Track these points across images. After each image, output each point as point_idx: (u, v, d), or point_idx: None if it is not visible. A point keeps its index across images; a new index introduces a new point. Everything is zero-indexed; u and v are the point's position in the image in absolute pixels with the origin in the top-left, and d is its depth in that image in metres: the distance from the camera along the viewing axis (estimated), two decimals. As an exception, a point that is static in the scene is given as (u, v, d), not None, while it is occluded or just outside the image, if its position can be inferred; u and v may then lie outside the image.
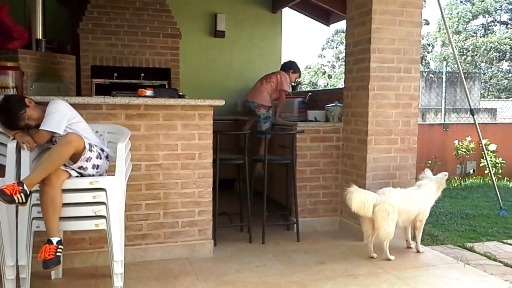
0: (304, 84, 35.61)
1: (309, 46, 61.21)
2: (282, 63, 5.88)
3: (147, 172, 3.59)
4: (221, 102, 3.68)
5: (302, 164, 4.59)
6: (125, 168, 2.92)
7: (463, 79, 6.03)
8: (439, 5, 5.68)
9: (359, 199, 3.70)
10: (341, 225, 4.69)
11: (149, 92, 3.64)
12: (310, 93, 5.75)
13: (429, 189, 4.01)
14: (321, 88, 29.60)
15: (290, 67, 5.55)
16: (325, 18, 7.65)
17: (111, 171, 3.01)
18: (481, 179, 8.03)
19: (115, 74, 6.18)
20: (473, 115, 5.97)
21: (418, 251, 4.03)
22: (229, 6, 7.15)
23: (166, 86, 6.29)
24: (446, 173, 4.17)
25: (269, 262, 3.73)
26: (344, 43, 4.84)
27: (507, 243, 4.56)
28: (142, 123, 3.55)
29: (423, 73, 17.77)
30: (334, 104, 4.85)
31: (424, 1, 5.94)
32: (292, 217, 4.51)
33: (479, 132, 6.07)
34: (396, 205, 3.73)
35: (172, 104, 3.59)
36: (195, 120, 3.68)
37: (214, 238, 3.94)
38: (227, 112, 6.85)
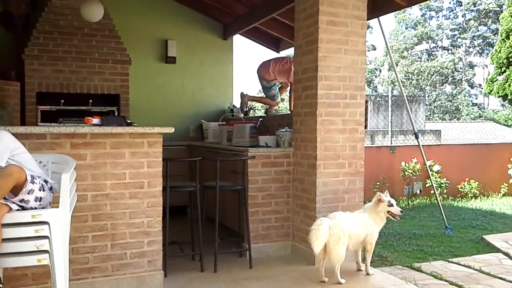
0: (257, 108, 36.11)
1: (262, 70, 61.99)
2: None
3: (93, 203, 3.49)
4: (171, 130, 3.66)
5: (254, 189, 4.61)
6: (69, 200, 2.83)
7: (407, 103, 6.30)
8: (383, 33, 5.94)
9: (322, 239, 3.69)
10: (293, 249, 4.71)
11: (95, 120, 3.57)
12: (261, 119, 5.81)
13: (371, 211, 4.05)
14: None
15: None
16: (275, 45, 7.81)
17: (55, 202, 2.91)
18: (428, 199, 8.33)
19: (62, 101, 6.03)
20: (417, 138, 6.22)
21: (367, 274, 4.10)
22: (180, 32, 7.18)
23: (116, 112, 6.20)
24: (379, 193, 4.15)
25: (221, 291, 3.69)
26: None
27: (452, 262, 4.72)
28: (89, 152, 3.46)
29: (371, 96, 18.46)
30: (284, 130, 4.93)
31: (371, 27, 6.18)
32: (245, 244, 4.49)
33: (423, 154, 6.32)
34: (346, 228, 3.79)
35: (119, 132, 3.53)
36: (144, 148, 3.63)
37: (165, 269, 3.85)
38: (180, 138, 6.81)
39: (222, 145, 5.73)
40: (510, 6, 9.88)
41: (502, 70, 9.88)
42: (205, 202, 4.46)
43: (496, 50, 10.18)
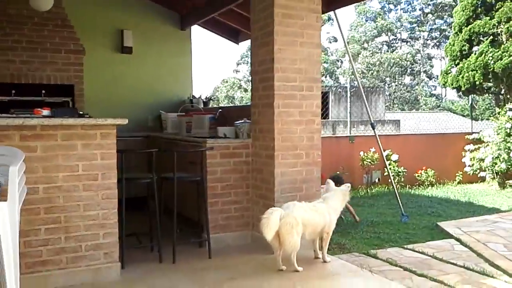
0: (221, 97, 36.01)
1: (225, 61, 61.98)
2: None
3: (45, 195, 3.40)
4: (124, 121, 3.60)
5: (213, 180, 4.60)
6: (18, 193, 2.74)
7: (363, 94, 6.42)
8: (339, 26, 6.02)
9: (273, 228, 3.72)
10: (253, 239, 4.75)
11: (45, 112, 3.48)
12: (220, 110, 5.80)
13: (333, 201, 4.17)
14: (231, 105, 29.99)
15: None
16: (234, 36, 7.78)
17: (2, 196, 2.81)
18: (386, 188, 8.54)
19: (13, 91, 5.83)
20: (373, 128, 6.35)
21: (324, 261, 4.17)
22: (136, 22, 7.04)
23: (70, 103, 6.04)
24: (349, 184, 4.40)
25: (179, 282, 3.68)
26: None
27: (407, 248, 4.86)
28: (39, 144, 3.36)
29: (333, 88, 18.74)
30: (243, 121, 4.94)
31: (332, 20, 6.25)
32: (204, 234, 4.48)
33: (380, 144, 6.47)
34: (300, 218, 3.83)
35: (70, 123, 3.45)
36: (97, 139, 3.56)
37: (122, 261, 3.81)
38: (138, 129, 6.71)
39: (181, 136, 5.68)
40: (462, 1, 10.21)
41: (456, 63, 10.18)
42: (163, 194, 4.42)
43: (450, 43, 10.49)
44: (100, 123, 3.53)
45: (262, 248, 4.49)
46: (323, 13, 5.21)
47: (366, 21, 39.75)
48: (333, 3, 5.58)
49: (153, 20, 7.22)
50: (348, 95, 10.17)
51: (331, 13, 6.04)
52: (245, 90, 35.26)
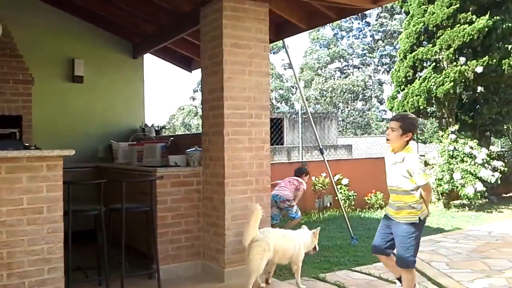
0: (177, 125, 35.84)
1: (182, 89, 61.92)
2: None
3: (-13, 231, 3.31)
4: (71, 152, 3.58)
5: (163, 209, 4.60)
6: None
7: (311, 120, 6.63)
8: (287, 54, 6.23)
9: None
10: (204, 268, 4.74)
11: (-12, 145, 3.40)
12: (172, 138, 5.83)
13: (305, 236, 4.46)
14: (187, 132, 29.91)
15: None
16: (187, 64, 7.87)
17: None
18: (337, 212, 8.73)
19: (-42, 122, 5.66)
20: (322, 153, 6.55)
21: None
22: (88, 51, 7.00)
23: (17, 134, 5.90)
24: (319, 228, 4.67)
25: (128, 315, 3.63)
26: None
27: (355, 271, 5.00)
28: (-19, 178, 3.29)
29: (287, 114, 19.06)
30: (194, 149, 4.98)
31: (287, 46, 6.51)
32: (154, 265, 4.45)
33: (329, 169, 6.66)
34: (272, 244, 4.04)
35: (15, 156, 3.39)
36: (43, 171, 3.51)
37: (68, 296, 3.72)
38: (88, 159, 6.62)
39: (132, 165, 5.65)
40: (406, 29, 10.75)
41: (402, 88, 10.65)
42: (112, 225, 4.37)
43: (396, 69, 10.97)
44: (46, 155, 3.49)
45: (213, 277, 4.52)
46: (271, 42, 5.40)
47: (320, 47, 40.93)
48: (280, 33, 5.78)
49: (105, 49, 7.21)
50: (300, 121, 10.40)
51: (286, 41, 6.25)
52: (201, 117, 35.22)
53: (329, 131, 17.97)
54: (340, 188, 8.82)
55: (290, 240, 4.27)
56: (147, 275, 4.54)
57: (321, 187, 8.68)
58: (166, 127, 7.26)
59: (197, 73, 7.67)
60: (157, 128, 7.07)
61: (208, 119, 4.77)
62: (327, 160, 6.91)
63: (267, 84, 4.76)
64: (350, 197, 8.90)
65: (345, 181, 8.97)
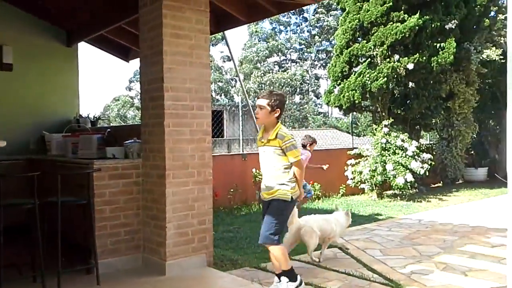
0: (112, 116, 34.76)
1: (117, 79, 60.07)
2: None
3: None
4: (2, 143, 3.39)
5: (101, 203, 4.46)
6: None
7: (253, 113, 6.66)
8: (228, 46, 6.22)
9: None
10: (145, 261, 4.67)
11: None
12: (109, 129, 5.65)
13: (339, 216, 5.27)
14: (123, 124, 29.16)
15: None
16: (124, 54, 7.65)
17: None
18: (277, 203, 8.86)
19: None
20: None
21: (318, 260, 5.00)
22: (17, 38, 6.59)
23: None
24: (350, 209, 5.69)
25: (65, 312, 3.50)
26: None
27: (294, 259, 5.09)
28: None
29: (227, 106, 19.08)
30: (132, 141, 4.87)
31: (226, 38, 6.47)
32: (92, 260, 4.31)
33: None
34: (316, 227, 4.87)
35: None
36: (-31, 164, 3.30)
37: (-1, 295, 3.53)
38: (19, 151, 6.27)
39: (66, 157, 5.43)
40: (342, 25, 11.06)
41: (338, 83, 10.96)
42: (48, 220, 4.18)
43: (332, 65, 11.26)
44: (-28, 147, 3.28)
45: (154, 271, 4.46)
46: (212, 33, 5.38)
47: (259, 41, 41.24)
48: (221, 25, 5.77)
49: (36, 36, 6.83)
50: (240, 113, 10.44)
51: (226, 33, 6.24)
52: (138, 109, 34.48)
53: (268, 124, 18.15)
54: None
55: (328, 222, 5.06)
56: (85, 270, 4.40)
57: (261, 179, 8.76)
58: (101, 118, 7.00)
59: (134, 63, 7.49)
60: (92, 119, 6.83)
61: (147, 110, 4.68)
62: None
63: (208, 76, 4.74)
64: (289, 189, 9.07)
65: (284, 173, 9.11)
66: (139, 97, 6.51)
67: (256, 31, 40.59)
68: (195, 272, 4.37)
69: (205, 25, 4.65)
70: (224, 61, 40.09)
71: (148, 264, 4.61)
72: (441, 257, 5.14)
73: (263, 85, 35.84)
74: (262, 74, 37.24)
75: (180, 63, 4.48)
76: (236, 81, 39.17)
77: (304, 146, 7.24)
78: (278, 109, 3.64)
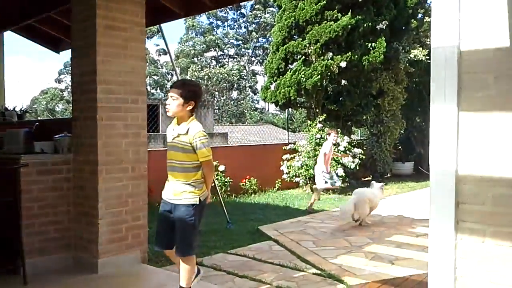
0: (40, 110, 33.09)
1: (46, 71, 57.30)
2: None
3: None
4: None
5: (28, 200, 4.26)
6: None
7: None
8: (164, 39, 6.13)
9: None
10: (76, 260, 4.51)
11: None
12: (37, 123, 5.40)
13: (377, 190, 6.88)
14: (51, 117, 27.88)
15: None
16: (54, 45, 7.31)
17: None
18: (214, 197, 8.87)
19: None
20: (199, 141, 6.58)
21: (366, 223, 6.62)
22: None
23: None
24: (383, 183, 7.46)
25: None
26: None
27: (230, 253, 5.17)
28: None
29: (163, 100, 18.74)
30: (63, 135, 4.68)
31: (162, 31, 6.37)
32: (18, 259, 4.11)
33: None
34: (368, 198, 6.61)
35: None
36: None
37: None
38: None
39: (-10, 153, 5.12)
40: (278, 22, 11.24)
41: (274, 79, 11.14)
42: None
43: (269, 61, 11.43)
44: None
45: (86, 269, 4.32)
46: (147, 26, 5.27)
47: (196, 35, 40.85)
48: (157, 18, 5.67)
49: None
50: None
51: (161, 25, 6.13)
52: (68, 102, 33.11)
53: (206, 119, 18.08)
54: (217, 175, 8.98)
55: (374, 195, 6.73)
56: (11, 270, 4.18)
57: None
58: (29, 112, 6.66)
59: (65, 54, 7.19)
60: (19, 112, 6.49)
61: (79, 104, 4.52)
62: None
63: (143, 69, 4.65)
64: (226, 183, 9.12)
65: (221, 167, 9.15)
66: (69, 89, 6.25)
67: (193, 25, 40.17)
68: (130, 269, 4.30)
69: (141, 17, 4.56)
70: (160, 55, 39.36)
71: (80, 263, 4.46)
72: (371, 247, 5.39)
73: (200, 80, 35.57)
74: (200, 69, 36.94)
75: (114, 55, 4.36)
76: (172, 75, 38.58)
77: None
78: (193, 101, 3.26)
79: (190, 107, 3.28)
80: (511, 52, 2.17)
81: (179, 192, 3.28)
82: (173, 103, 3.26)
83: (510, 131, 2.16)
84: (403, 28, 12.06)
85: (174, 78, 37.60)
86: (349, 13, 10.37)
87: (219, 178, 9.03)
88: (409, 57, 12.21)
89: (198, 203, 3.30)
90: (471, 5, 2.27)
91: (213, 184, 8.45)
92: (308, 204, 7.91)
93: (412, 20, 12.27)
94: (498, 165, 2.19)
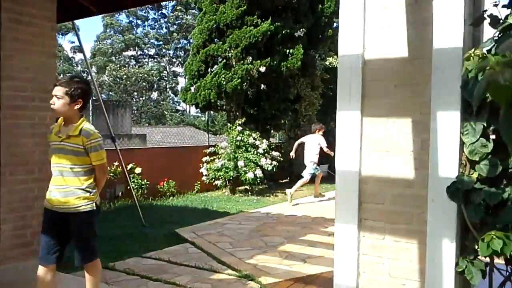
0: None
1: None
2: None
3: None
4: None
5: None
6: None
7: (103, 108, 6.42)
8: (77, 36, 5.90)
9: None
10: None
11: None
12: None
13: None
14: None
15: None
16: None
17: None
18: (130, 201, 8.64)
19: None
20: (114, 141, 6.41)
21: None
22: None
23: None
24: None
25: None
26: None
27: (145, 257, 5.07)
28: None
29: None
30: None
31: (78, 29, 6.08)
32: None
33: (121, 157, 6.57)
34: None
35: None
36: None
37: None
38: None
39: None
40: (199, 25, 11.22)
41: (194, 81, 11.09)
42: None
43: (189, 63, 11.36)
44: None
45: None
46: (60, 22, 5.03)
47: (114, 34, 39.54)
48: (70, 14, 5.43)
49: None
50: (91, 108, 9.94)
51: (77, 23, 5.88)
52: None
53: (123, 120, 17.54)
54: (133, 177, 8.76)
55: None
56: None
57: (113, 176, 8.47)
58: None
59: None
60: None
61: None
62: (120, 149, 6.80)
63: (53, 66, 4.45)
64: (143, 186, 8.92)
65: (138, 170, 8.93)
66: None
67: (111, 23, 38.86)
68: (35, 276, 4.06)
69: (52, 12, 4.36)
70: (75, 52, 37.63)
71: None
72: (285, 247, 5.55)
73: (118, 79, 34.47)
74: (118, 68, 35.77)
75: (21, 50, 4.12)
76: (88, 73, 37.02)
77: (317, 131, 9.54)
78: (80, 100, 3.02)
79: (77, 106, 3.03)
80: (410, 63, 2.36)
81: (72, 199, 3.02)
82: (58, 102, 3.00)
83: (408, 136, 2.34)
84: (320, 36, 12.52)
85: (89, 77, 36.12)
86: (269, 20, 10.59)
87: (136, 181, 8.81)
88: (324, 64, 12.72)
89: (95, 208, 3.10)
90: (374, 17, 2.43)
91: (128, 187, 8.28)
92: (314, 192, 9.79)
93: (328, 29, 12.79)
94: (396, 167, 2.36)
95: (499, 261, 2.16)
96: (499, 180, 2.04)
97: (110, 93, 33.70)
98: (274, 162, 10.31)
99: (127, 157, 8.66)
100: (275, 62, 10.72)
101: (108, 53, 37.40)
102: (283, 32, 10.90)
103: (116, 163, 8.52)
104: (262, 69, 10.48)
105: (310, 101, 12.54)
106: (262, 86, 11.01)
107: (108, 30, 39.41)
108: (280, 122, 12.54)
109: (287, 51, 11.09)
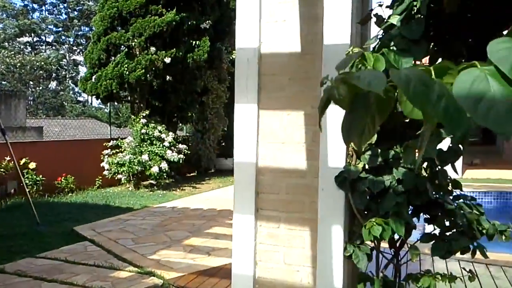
0: None
1: None
2: None
3: None
4: None
5: None
6: None
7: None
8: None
9: None
10: None
11: None
12: None
13: None
14: None
15: None
16: None
17: None
18: (23, 198, 8.07)
19: None
20: (4, 134, 5.94)
21: None
22: None
23: None
24: None
25: None
26: None
27: (39, 257, 4.77)
28: None
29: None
30: None
31: None
32: None
33: (12, 152, 6.10)
34: None
35: None
36: None
37: None
38: None
39: None
40: (100, 11, 10.69)
41: (95, 71, 10.57)
42: None
43: (89, 51, 10.79)
44: None
45: None
46: None
47: (7, 17, 36.48)
48: None
49: None
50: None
51: None
52: None
53: (17, 111, 16.29)
54: (27, 173, 8.18)
55: None
56: None
57: (4, 172, 7.84)
58: None
59: None
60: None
61: None
62: (12, 143, 6.30)
63: None
64: (38, 182, 8.35)
65: (32, 165, 8.35)
66: None
67: (4, 6, 35.78)
68: None
69: None
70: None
71: None
72: (190, 240, 5.52)
73: (12, 67, 31.89)
74: (12, 55, 33.06)
75: None
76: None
77: None
78: None
79: None
80: (302, 57, 2.44)
81: None
82: None
83: (301, 128, 2.43)
84: (226, 29, 12.55)
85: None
86: (174, 10, 10.39)
87: (30, 177, 8.24)
88: (231, 58, 12.78)
89: None
90: (270, 11, 2.48)
91: (21, 184, 7.71)
92: None
93: (234, 22, 12.84)
94: (290, 158, 2.44)
95: (384, 245, 2.33)
96: (383, 170, 2.20)
97: (3, 82, 31.09)
98: (181, 155, 10.18)
99: (20, 152, 8.08)
100: (181, 53, 10.54)
101: (0, 39, 34.42)
102: (189, 23, 10.76)
103: (8, 158, 7.91)
104: (168, 60, 10.26)
105: (218, 94, 12.56)
106: (168, 77, 10.78)
107: (0, 14, 36.23)
108: (187, 115, 12.41)
109: (194, 42, 10.97)
